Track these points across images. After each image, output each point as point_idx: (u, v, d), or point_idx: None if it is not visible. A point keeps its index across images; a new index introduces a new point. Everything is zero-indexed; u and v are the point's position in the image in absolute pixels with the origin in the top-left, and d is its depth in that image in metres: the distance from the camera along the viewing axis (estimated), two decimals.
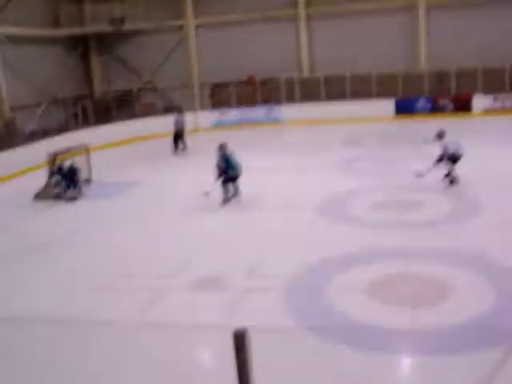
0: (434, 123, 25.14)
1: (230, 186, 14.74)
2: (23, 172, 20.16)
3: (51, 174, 16.89)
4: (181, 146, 22.83)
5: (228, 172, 14.57)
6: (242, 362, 3.47)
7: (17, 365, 7.68)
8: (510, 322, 7.88)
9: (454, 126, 24.62)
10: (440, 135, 14.79)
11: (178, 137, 22.99)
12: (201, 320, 8.54)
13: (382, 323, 7.96)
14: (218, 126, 28.84)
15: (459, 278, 9.16)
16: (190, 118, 27.79)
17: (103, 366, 7.56)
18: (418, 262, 9.88)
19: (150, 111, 29.48)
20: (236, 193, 14.92)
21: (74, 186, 16.69)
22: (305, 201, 14.44)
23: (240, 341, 3.46)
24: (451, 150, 14.57)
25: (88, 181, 18.20)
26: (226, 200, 14.64)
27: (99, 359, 7.76)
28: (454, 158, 14.63)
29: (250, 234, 12.31)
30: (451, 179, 14.85)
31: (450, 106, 27.47)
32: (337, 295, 8.91)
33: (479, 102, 27.14)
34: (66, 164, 16.98)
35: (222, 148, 14.72)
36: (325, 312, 8.47)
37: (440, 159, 14.63)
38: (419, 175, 14.60)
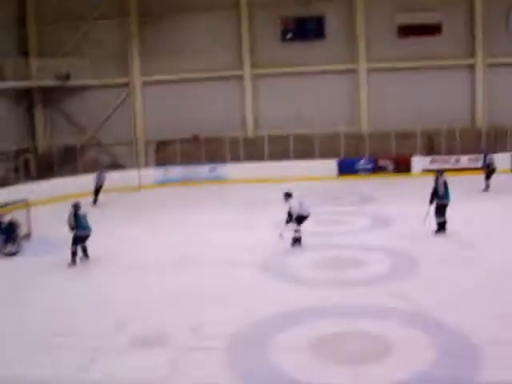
0: (374, 182, 25.97)
1: (79, 247, 14.76)
2: None
3: None
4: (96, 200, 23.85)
5: (77, 230, 14.67)
6: None
7: None
8: (448, 376, 7.98)
9: (394, 184, 25.54)
10: (287, 195, 15.36)
11: (97, 192, 24.06)
12: (142, 377, 8.36)
13: (324, 382, 7.97)
14: (162, 183, 28.81)
15: (398, 335, 9.28)
16: (134, 175, 27.76)
17: None
18: (358, 320, 9.98)
19: (93, 167, 29.27)
20: (85, 254, 14.95)
21: (13, 242, 16.32)
22: (246, 258, 14.43)
23: None
24: (296, 210, 15.11)
25: (28, 236, 17.83)
26: (72, 263, 14.60)
27: None
28: (299, 218, 15.15)
29: (192, 291, 12.12)
30: (295, 239, 15.28)
31: (391, 166, 28.25)
32: (279, 354, 8.88)
33: (418, 163, 28.03)
34: (6, 219, 16.61)
35: (75, 207, 14.86)
36: (267, 371, 8.41)
37: (289, 218, 15.25)
38: (280, 235, 15.25)
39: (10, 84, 28.27)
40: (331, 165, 28.29)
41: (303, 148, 28.89)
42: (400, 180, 26.74)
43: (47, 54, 30.20)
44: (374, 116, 29.95)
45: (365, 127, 30.01)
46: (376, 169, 28.36)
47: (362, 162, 28.49)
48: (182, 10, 30.46)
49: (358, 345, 9.15)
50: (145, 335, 9.84)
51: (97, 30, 30.76)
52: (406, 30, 29.34)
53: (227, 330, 9.80)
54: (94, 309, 11.43)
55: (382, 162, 28.38)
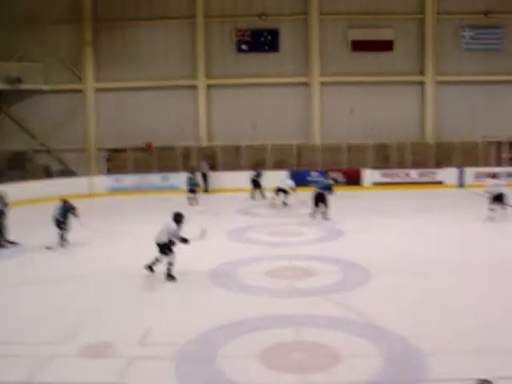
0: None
1: None
2: None
3: None
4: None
5: None
6: None
7: None
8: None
9: (344, 197, 25.83)
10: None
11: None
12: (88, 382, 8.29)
13: None
14: (113, 191, 28.56)
15: (345, 345, 9.39)
16: (84, 182, 27.46)
17: None
18: (309, 329, 10.07)
19: (43, 174, 28.87)
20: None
21: None
22: (198, 267, 14.41)
23: None
24: None
25: None
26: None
27: None
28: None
29: (139, 300, 12.16)
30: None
31: (342, 178, 28.60)
32: (227, 363, 8.89)
33: (369, 176, 28.46)
34: None
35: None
36: (214, 380, 8.42)
37: None
38: None
39: None
40: (283, 176, 28.42)
41: (256, 159, 29.04)
42: (351, 193, 27.06)
43: None
44: (326, 129, 30.39)
45: (317, 139, 30.36)
46: None
47: (314, 174, 28.76)
48: (138, 18, 30.45)
49: (306, 354, 9.22)
50: (92, 344, 9.73)
51: (50, 34, 30.42)
52: (359, 46, 29.93)
53: (176, 338, 9.77)
54: (43, 317, 11.25)
55: (332, 175, 28.69)
